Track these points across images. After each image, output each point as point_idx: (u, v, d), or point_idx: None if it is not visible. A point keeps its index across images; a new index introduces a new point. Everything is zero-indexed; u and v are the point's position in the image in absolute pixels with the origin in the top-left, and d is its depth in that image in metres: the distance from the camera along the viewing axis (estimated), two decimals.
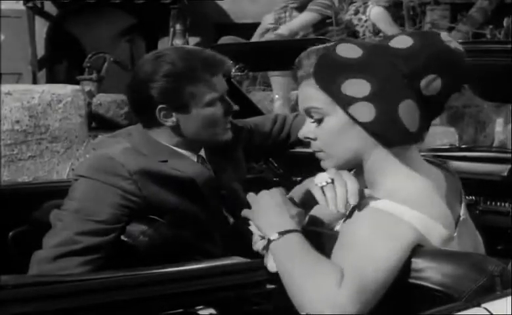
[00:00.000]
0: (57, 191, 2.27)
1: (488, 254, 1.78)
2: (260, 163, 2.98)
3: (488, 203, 2.70)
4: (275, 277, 1.68)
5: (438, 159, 1.89)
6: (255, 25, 6.01)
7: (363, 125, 1.69)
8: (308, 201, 1.76)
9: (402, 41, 1.71)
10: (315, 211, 1.84)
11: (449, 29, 7.76)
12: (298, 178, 2.54)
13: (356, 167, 1.78)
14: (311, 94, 1.74)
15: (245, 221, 1.83)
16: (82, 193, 2.10)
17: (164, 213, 2.13)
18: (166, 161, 2.18)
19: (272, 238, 1.67)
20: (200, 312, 1.67)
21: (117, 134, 2.32)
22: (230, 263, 1.83)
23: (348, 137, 1.72)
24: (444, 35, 1.73)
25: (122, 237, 2.09)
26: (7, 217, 2.37)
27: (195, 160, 2.25)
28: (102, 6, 8.01)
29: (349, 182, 1.65)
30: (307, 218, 1.82)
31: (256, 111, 2.97)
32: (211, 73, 2.16)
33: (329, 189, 1.65)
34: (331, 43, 1.77)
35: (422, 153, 1.81)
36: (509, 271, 1.55)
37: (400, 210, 1.63)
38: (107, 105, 5.61)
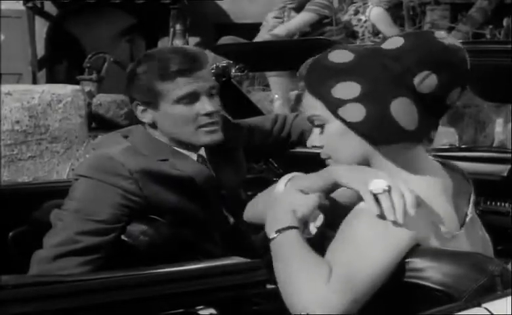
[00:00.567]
0: (57, 191, 2.27)
1: None
2: (260, 163, 2.98)
3: (488, 203, 2.70)
4: (274, 277, 1.68)
5: (445, 159, 1.89)
6: (255, 25, 6.01)
7: (353, 126, 1.69)
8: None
9: (394, 42, 1.73)
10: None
11: (449, 29, 7.75)
12: None
13: None
14: (311, 103, 1.76)
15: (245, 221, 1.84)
16: (82, 193, 2.10)
17: (164, 213, 2.13)
18: (166, 160, 2.18)
19: (271, 237, 1.68)
20: (200, 312, 1.67)
21: (117, 132, 2.33)
22: (230, 263, 1.83)
23: (349, 141, 1.72)
24: (439, 33, 1.73)
25: (122, 237, 2.09)
26: (7, 217, 2.37)
27: (195, 159, 2.25)
28: (102, 6, 8.01)
29: (406, 191, 1.60)
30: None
31: (256, 111, 2.97)
32: (181, 71, 2.14)
33: (386, 198, 1.59)
34: (326, 51, 1.78)
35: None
36: (509, 271, 1.55)
37: None
38: (107, 106, 5.61)
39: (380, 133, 1.69)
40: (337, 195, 1.81)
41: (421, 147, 1.76)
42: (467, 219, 1.75)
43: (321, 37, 5.07)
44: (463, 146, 4.13)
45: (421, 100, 1.69)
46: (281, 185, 1.80)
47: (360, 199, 1.66)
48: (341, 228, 1.66)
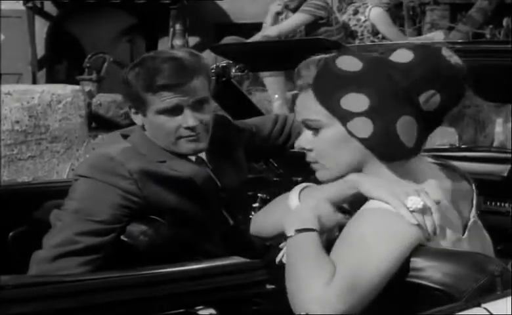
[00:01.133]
0: (57, 191, 2.27)
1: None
2: (260, 163, 2.98)
3: (488, 203, 2.70)
4: (274, 277, 1.68)
5: (446, 160, 1.89)
6: (255, 25, 6.01)
7: (360, 140, 1.70)
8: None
9: (403, 55, 1.72)
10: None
11: (449, 29, 7.76)
12: (299, 178, 2.53)
13: None
14: (310, 106, 1.75)
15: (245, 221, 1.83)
16: (82, 193, 2.10)
17: (164, 213, 2.12)
18: (164, 162, 2.18)
19: (289, 234, 1.67)
20: (200, 312, 1.67)
21: (117, 132, 2.33)
22: (230, 263, 1.83)
23: (344, 150, 1.72)
24: (446, 51, 1.73)
25: (122, 237, 2.09)
26: (7, 217, 2.37)
27: (193, 160, 2.25)
28: (102, 6, 8.01)
29: (434, 205, 1.63)
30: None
31: (256, 112, 2.97)
32: (166, 86, 2.13)
33: (428, 217, 1.62)
34: (331, 55, 1.77)
35: (423, 154, 1.81)
36: (509, 271, 1.55)
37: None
38: (107, 106, 5.62)
39: (385, 150, 1.70)
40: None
41: (418, 156, 1.76)
42: (470, 223, 1.75)
43: (321, 37, 5.07)
44: (463, 146, 4.13)
45: (422, 118, 1.70)
46: (294, 196, 1.79)
47: (362, 203, 1.65)
48: (346, 229, 1.66)
